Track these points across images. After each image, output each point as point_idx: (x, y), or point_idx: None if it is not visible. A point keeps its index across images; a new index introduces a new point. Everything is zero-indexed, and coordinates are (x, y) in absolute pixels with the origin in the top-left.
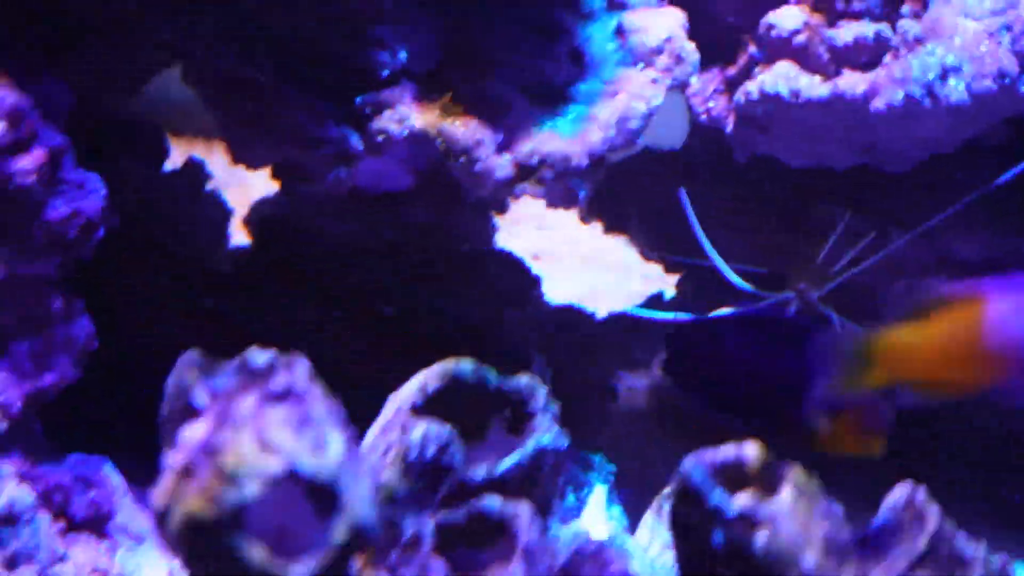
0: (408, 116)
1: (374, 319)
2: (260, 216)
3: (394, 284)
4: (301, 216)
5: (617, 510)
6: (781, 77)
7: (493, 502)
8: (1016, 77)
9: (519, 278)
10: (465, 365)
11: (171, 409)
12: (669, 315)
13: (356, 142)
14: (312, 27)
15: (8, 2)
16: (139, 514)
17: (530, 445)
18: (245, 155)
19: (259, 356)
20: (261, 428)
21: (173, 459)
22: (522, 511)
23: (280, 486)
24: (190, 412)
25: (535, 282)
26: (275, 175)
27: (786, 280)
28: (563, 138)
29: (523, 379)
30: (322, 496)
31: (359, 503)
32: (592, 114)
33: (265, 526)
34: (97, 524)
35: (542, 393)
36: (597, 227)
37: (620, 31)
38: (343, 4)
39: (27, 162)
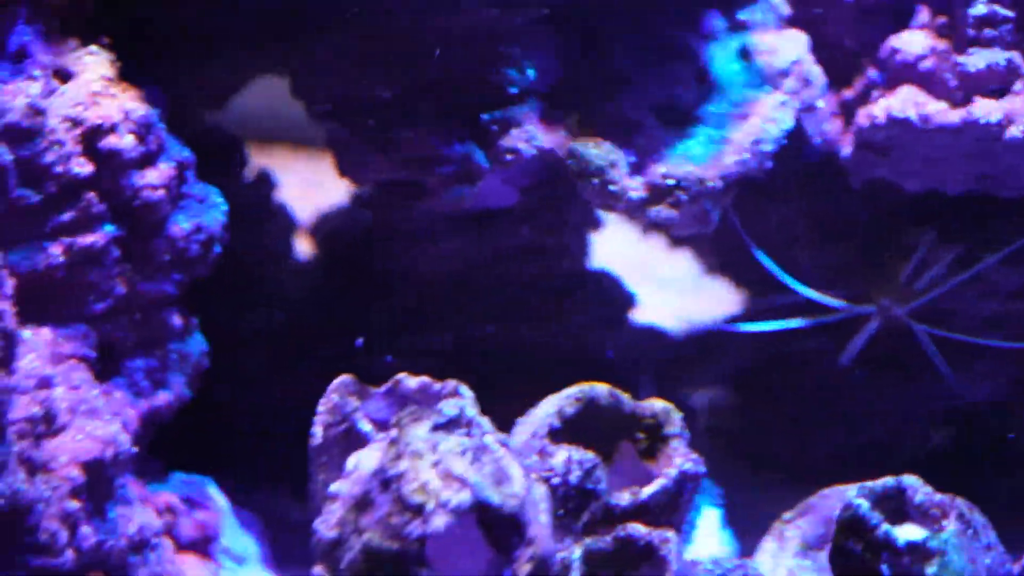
0: (536, 135)
1: (475, 339)
2: (328, 229)
3: (496, 301)
4: (395, 231)
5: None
6: (909, 102)
7: (639, 529)
8: None
9: (617, 296)
10: (600, 389)
11: (329, 435)
12: (755, 326)
13: (481, 159)
14: (440, 44)
15: (124, 11)
16: (242, 535)
17: (673, 471)
18: (356, 170)
19: (410, 381)
20: (440, 458)
21: (345, 488)
22: (671, 538)
23: (465, 519)
24: (354, 439)
25: (630, 300)
26: (385, 191)
27: (869, 296)
28: (696, 160)
29: (658, 403)
30: (504, 528)
31: (543, 535)
32: (725, 136)
33: (444, 558)
34: (203, 546)
35: (678, 418)
36: (658, 239)
37: (745, 52)
38: (472, 21)
39: (154, 176)
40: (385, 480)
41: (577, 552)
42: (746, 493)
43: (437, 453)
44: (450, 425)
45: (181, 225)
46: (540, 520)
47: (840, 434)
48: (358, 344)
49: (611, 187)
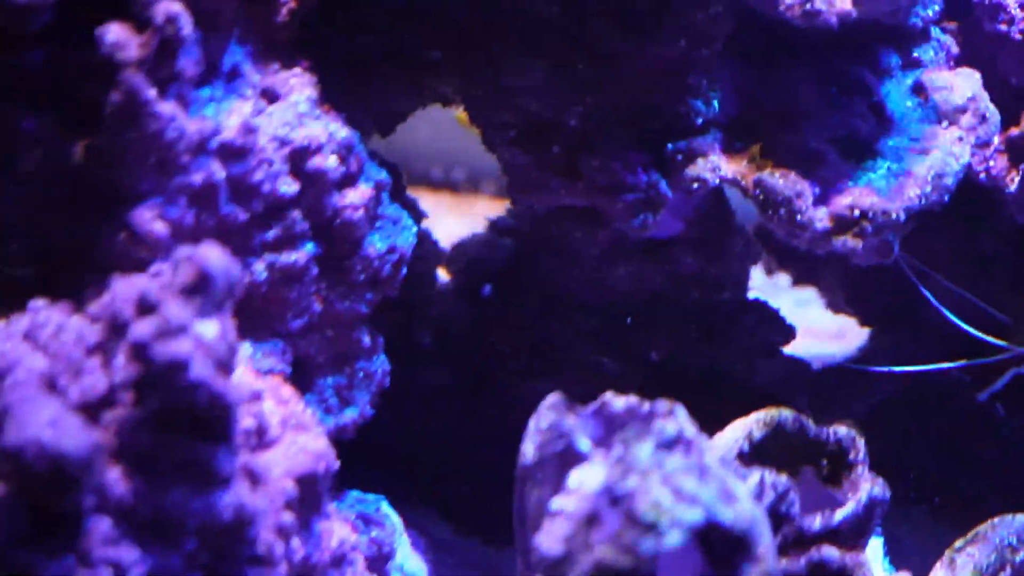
0: (719, 165)
1: (640, 364)
2: (467, 258)
3: (660, 330)
4: (559, 258)
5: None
6: None
7: (832, 552)
8: None
9: (775, 326)
10: (786, 414)
11: (545, 453)
12: (893, 368)
13: (664, 188)
14: (627, 75)
15: (318, 35)
16: (413, 555)
17: (863, 496)
18: (531, 196)
19: (617, 402)
20: (667, 476)
21: (570, 505)
22: (864, 561)
23: (695, 537)
24: (571, 457)
25: (790, 332)
26: (556, 219)
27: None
28: (880, 192)
29: (841, 429)
30: (732, 546)
31: (769, 554)
32: (907, 169)
33: None
34: (378, 564)
35: (861, 444)
36: (783, 278)
37: (919, 88)
38: (660, 52)
39: (355, 196)
40: (614, 498)
41: None
42: (898, 523)
43: (664, 471)
44: (671, 444)
45: (376, 246)
46: (766, 539)
47: (987, 466)
48: None
49: (798, 217)
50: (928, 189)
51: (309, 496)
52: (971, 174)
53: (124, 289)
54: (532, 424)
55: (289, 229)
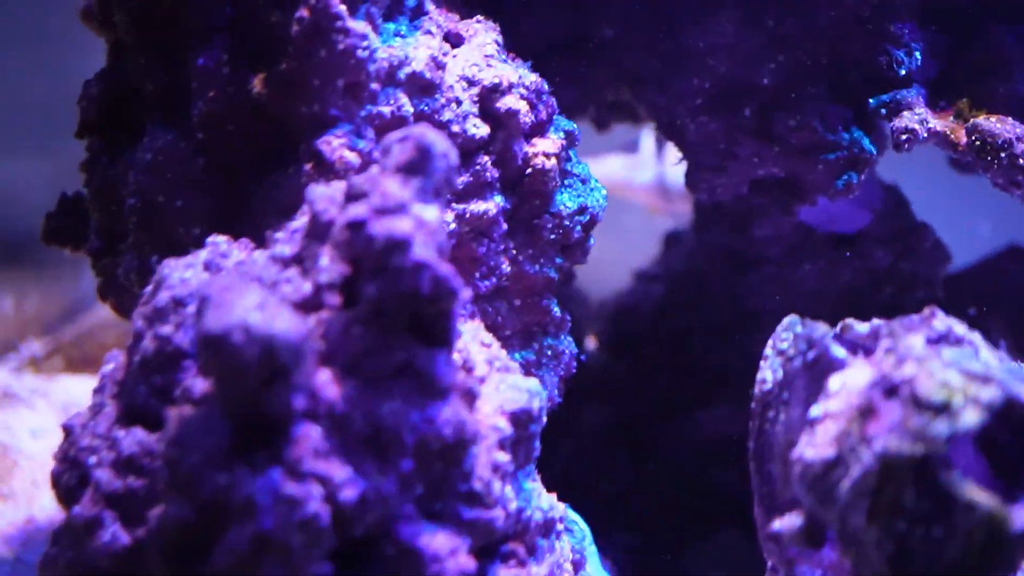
0: (927, 118)
1: None
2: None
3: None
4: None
5: None
6: None
7: None
8: None
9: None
10: None
11: (790, 369)
12: None
13: (869, 145)
14: (822, 25)
15: None
16: (601, 563)
17: None
18: (720, 176)
19: (861, 327)
20: (948, 362)
21: (833, 406)
22: None
23: (994, 419)
24: (824, 367)
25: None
26: (750, 201)
27: None
28: None
29: None
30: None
31: None
32: None
33: (967, 468)
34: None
35: None
36: None
37: None
38: (861, 1)
39: (547, 145)
40: (890, 387)
41: None
42: None
43: (943, 358)
44: (943, 339)
45: (567, 204)
46: None
47: None
48: None
49: (1021, 160)
50: None
51: (523, 439)
52: None
53: (323, 191)
54: (769, 349)
55: (479, 176)
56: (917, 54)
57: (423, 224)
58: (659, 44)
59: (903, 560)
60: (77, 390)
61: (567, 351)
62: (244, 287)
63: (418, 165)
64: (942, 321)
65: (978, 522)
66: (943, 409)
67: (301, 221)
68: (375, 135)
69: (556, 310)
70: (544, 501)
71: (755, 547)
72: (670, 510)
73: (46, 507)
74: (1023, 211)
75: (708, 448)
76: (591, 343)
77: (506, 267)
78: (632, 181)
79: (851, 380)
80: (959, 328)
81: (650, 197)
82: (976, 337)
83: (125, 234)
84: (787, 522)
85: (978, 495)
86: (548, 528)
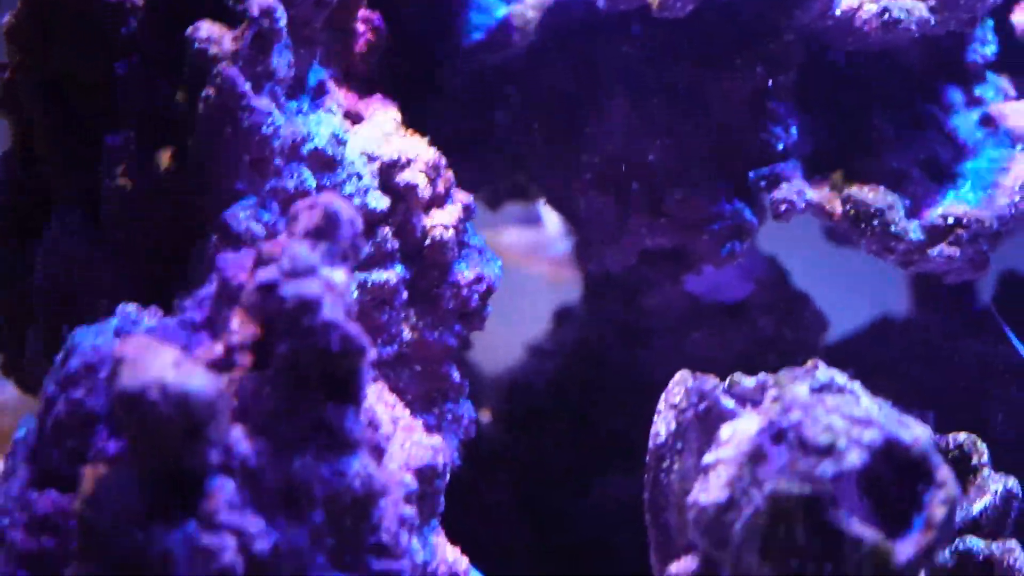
0: (804, 189)
1: None
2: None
3: None
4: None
5: None
6: None
7: (977, 542)
8: None
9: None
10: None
11: (684, 421)
12: None
13: (751, 215)
14: (709, 105)
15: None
16: None
17: (998, 487)
18: (611, 246)
19: (748, 381)
20: (832, 408)
21: (725, 453)
22: (1015, 547)
23: (875, 460)
24: (715, 418)
25: None
26: (640, 270)
27: None
28: (970, 203)
29: (961, 435)
30: (912, 472)
31: (950, 480)
32: (993, 182)
33: (851, 506)
34: None
35: (983, 447)
36: None
37: (987, 120)
38: (738, 81)
39: (444, 216)
40: (778, 432)
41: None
42: None
43: (827, 405)
44: (827, 387)
45: (464, 273)
46: (945, 465)
47: None
48: None
49: (892, 228)
50: (1017, 199)
51: (428, 494)
52: None
53: (232, 257)
54: (662, 404)
55: (380, 247)
56: (794, 130)
57: (332, 286)
58: (552, 127)
59: None
60: None
61: (466, 415)
62: (157, 347)
63: (325, 230)
64: (824, 372)
65: (865, 556)
66: (828, 451)
67: (209, 289)
68: (279, 208)
69: (456, 376)
70: (449, 555)
71: None
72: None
73: None
74: (896, 282)
75: (609, 515)
76: (485, 417)
77: (407, 335)
78: (541, 251)
79: (741, 428)
80: (840, 378)
81: (558, 265)
82: (856, 386)
83: (30, 316)
84: (682, 565)
85: (864, 531)
86: None
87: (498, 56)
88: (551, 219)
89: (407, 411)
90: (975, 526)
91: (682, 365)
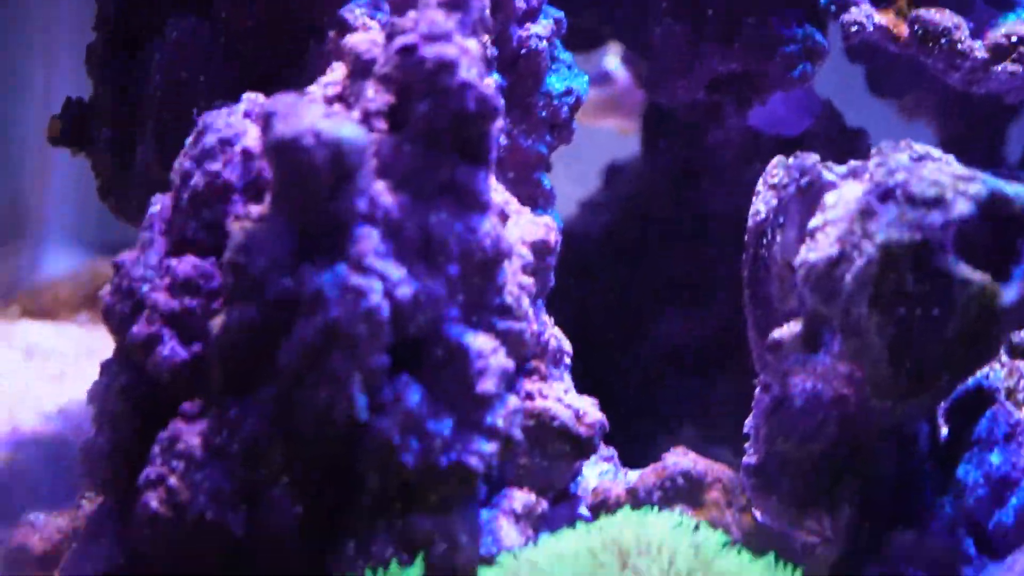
0: (872, 13)
1: None
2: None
3: None
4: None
5: None
6: None
7: None
8: None
9: None
10: None
11: (785, 196)
12: None
13: (821, 38)
14: None
15: None
16: None
17: None
18: (691, 69)
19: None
20: (935, 168)
21: (832, 215)
22: None
23: (982, 211)
24: (816, 191)
25: None
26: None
27: None
28: None
29: None
30: (1014, 227)
31: None
32: None
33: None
34: None
35: None
36: None
37: None
38: None
39: (539, 28)
40: (885, 191)
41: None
42: None
43: (930, 166)
44: (924, 157)
45: (555, 85)
46: None
47: None
48: None
49: (959, 46)
50: None
51: (541, 269)
52: None
53: (363, 36)
54: (760, 186)
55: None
56: None
57: (467, 51)
58: None
59: (903, 343)
60: (38, 334)
61: (556, 225)
62: (308, 102)
63: (458, 2)
64: (921, 146)
65: (973, 295)
66: (937, 202)
67: (336, 73)
68: (391, 8)
69: (547, 183)
70: (557, 331)
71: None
72: (632, 417)
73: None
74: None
75: (662, 357)
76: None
77: (503, 140)
78: (612, 108)
79: (847, 192)
80: (936, 152)
81: (628, 117)
82: (951, 158)
83: (139, 130)
84: (787, 330)
85: (973, 273)
86: (559, 357)
87: None
88: (621, 74)
89: (515, 199)
90: None
91: (741, 200)
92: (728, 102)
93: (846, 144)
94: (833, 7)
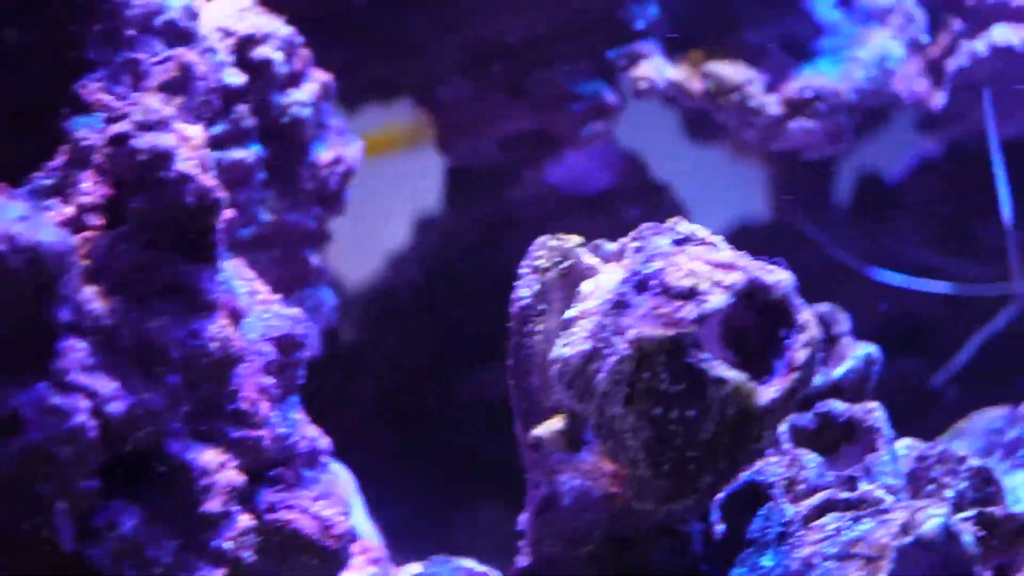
0: (664, 67)
1: None
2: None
3: None
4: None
5: None
6: (1010, 32)
7: (838, 404)
8: None
9: None
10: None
11: (546, 281)
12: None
13: (611, 95)
14: None
15: None
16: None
17: (860, 352)
18: (481, 125)
19: (609, 245)
20: (694, 256)
21: (588, 306)
22: (876, 406)
23: (738, 302)
24: (577, 276)
25: None
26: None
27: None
28: (829, 75)
29: (822, 306)
30: (775, 314)
31: (811, 323)
32: (850, 56)
33: (714, 349)
34: None
35: (843, 316)
36: None
37: (844, 0)
38: None
39: (302, 95)
40: (641, 281)
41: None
42: None
43: (689, 254)
44: (688, 240)
45: (322, 154)
46: (806, 308)
47: None
48: None
49: (750, 102)
50: (874, 72)
51: (288, 366)
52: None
53: (83, 120)
54: (524, 268)
55: (236, 124)
56: (653, 8)
57: (187, 139)
58: (409, 13)
59: (660, 443)
60: None
61: (327, 302)
62: (5, 202)
63: (180, 84)
64: (686, 226)
65: (728, 397)
66: (690, 294)
67: (60, 159)
68: (132, 81)
69: (315, 260)
70: (309, 431)
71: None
72: (439, 479)
73: None
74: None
75: (473, 415)
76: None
77: (265, 216)
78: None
79: (603, 280)
80: (702, 231)
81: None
82: (719, 239)
83: None
84: (547, 427)
85: (727, 372)
86: (313, 459)
87: None
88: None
89: (266, 287)
90: (836, 390)
91: None
92: (523, 160)
93: (652, 199)
94: (622, 61)
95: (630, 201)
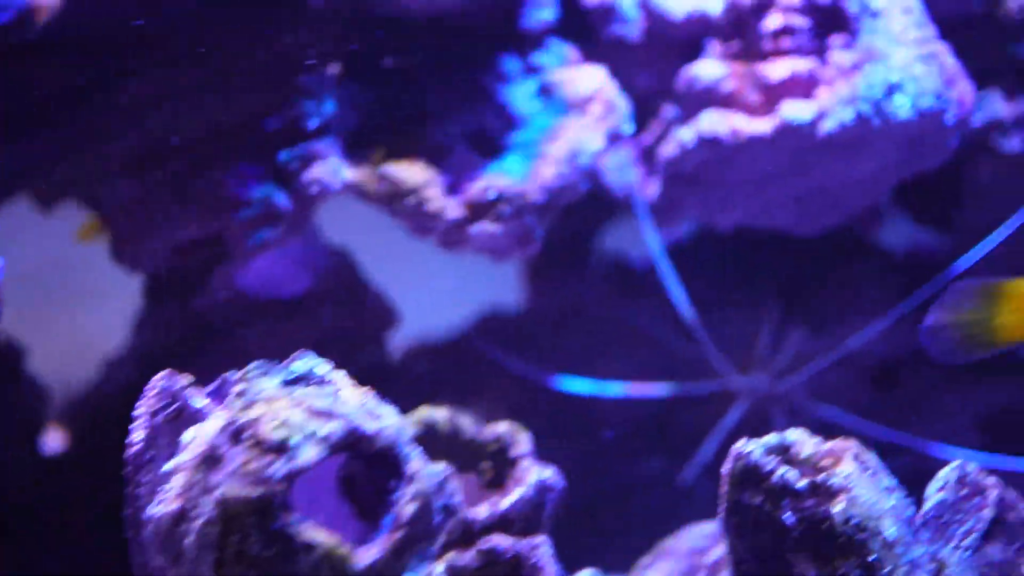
0: (340, 169)
1: None
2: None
3: None
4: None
5: None
6: (717, 121)
7: (503, 541)
8: (947, 100)
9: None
10: (439, 413)
11: (156, 425)
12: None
13: (282, 199)
14: (231, 80)
15: None
16: None
17: (532, 480)
18: (146, 234)
19: (236, 375)
20: (299, 401)
21: (184, 458)
22: (542, 541)
23: (336, 455)
24: (187, 420)
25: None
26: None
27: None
28: (515, 175)
29: (501, 425)
30: (380, 466)
31: (423, 472)
32: (540, 152)
33: (313, 505)
34: None
35: (524, 437)
36: None
37: (544, 89)
38: (266, 55)
39: None
40: (236, 431)
41: (440, 568)
42: None
43: (294, 398)
44: (301, 379)
45: None
46: (418, 458)
47: None
48: None
49: (427, 206)
50: (565, 169)
51: None
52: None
53: None
54: (138, 408)
55: None
56: (330, 105)
57: None
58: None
59: None
60: None
61: None
62: None
63: None
64: (304, 363)
65: (319, 562)
66: (281, 448)
67: None
68: None
69: None
70: None
71: None
72: None
73: None
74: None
75: None
76: (56, 432)
77: None
78: None
79: (204, 429)
80: (322, 368)
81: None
82: (339, 376)
83: None
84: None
85: (316, 535)
86: None
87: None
88: None
89: None
90: (506, 522)
91: (242, 366)
92: (200, 268)
93: (352, 304)
94: (295, 163)
95: (337, 306)
